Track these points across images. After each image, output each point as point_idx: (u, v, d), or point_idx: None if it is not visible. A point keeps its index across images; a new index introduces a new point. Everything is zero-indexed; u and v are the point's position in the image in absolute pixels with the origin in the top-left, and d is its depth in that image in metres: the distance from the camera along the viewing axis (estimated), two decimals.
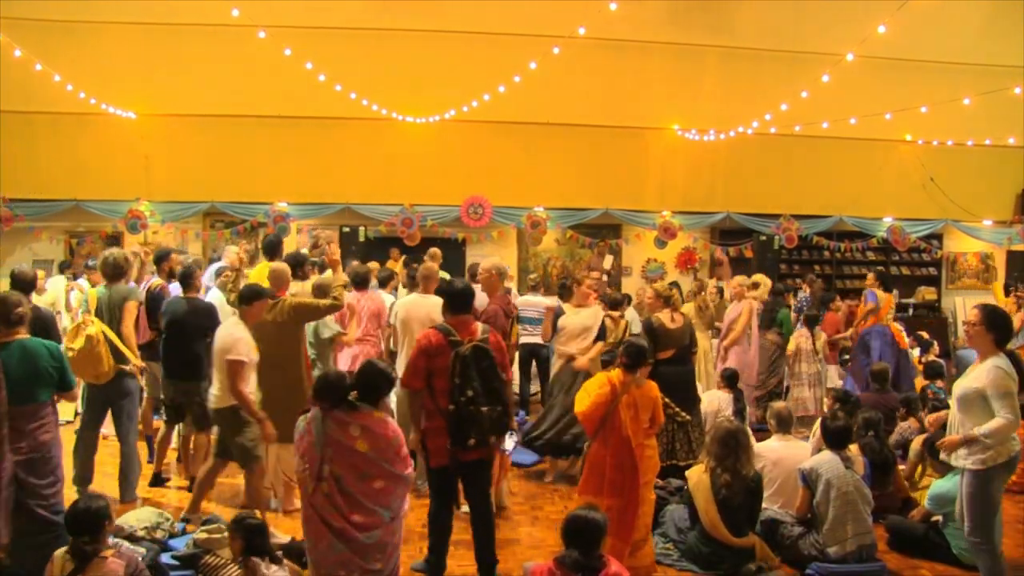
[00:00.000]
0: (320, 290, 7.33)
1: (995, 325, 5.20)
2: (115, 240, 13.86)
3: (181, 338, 7.19)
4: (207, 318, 7.25)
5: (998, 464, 5.11)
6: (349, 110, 12.66)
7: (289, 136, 13.30)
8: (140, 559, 4.59)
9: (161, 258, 8.61)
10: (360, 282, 8.60)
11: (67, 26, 11.73)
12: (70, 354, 6.43)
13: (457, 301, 5.66)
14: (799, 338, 9.93)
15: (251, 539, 4.83)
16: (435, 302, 7.21)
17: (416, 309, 7.33)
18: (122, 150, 13.27)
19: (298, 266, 8.17)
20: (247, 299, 6.30)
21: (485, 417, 5.30)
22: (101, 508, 4.46)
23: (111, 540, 4.98)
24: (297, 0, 11.44)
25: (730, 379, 8.53)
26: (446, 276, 9.42)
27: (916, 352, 11.09)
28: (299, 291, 7.79)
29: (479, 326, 5.66)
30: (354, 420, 4.56)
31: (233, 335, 6.11)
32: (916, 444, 7.30)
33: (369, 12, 11.93)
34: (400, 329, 7.38)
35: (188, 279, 7.44)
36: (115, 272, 7.15)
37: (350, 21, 12.03)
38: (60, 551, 4.46)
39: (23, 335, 5.14)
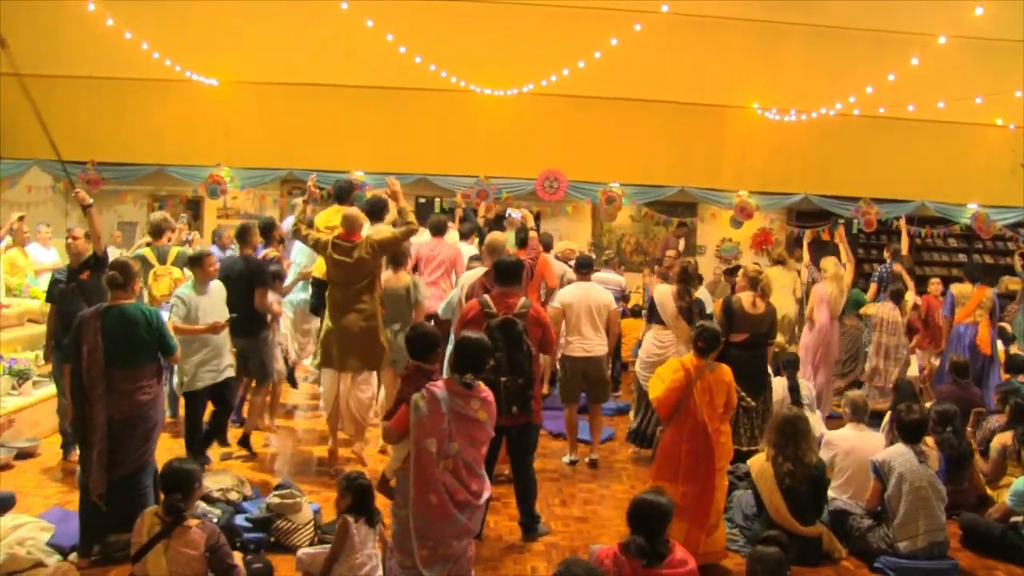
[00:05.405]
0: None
1: None
2: (195, 204, 14.16)
3: (238, 295, 7.39)
4: (262, 274, 7.54)
5: None
6: (428, 81, 12.68)
7: (368, 106, 13.38)
8: (219, 530, 4.78)
9: (268, 227, 8.62)
10: (437, 230, 9.04)
11: None
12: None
13: (501, 273, 6.10)
14: (883, 309, 9.58)
15: (359, 498, 4.92)
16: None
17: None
18: (204, 117, 13.50)
19: (379, 211, 8.52)
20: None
21: (503, 387, 5.64)
22: (193, 471, 4.76)
23: (198, 509, 5.20)
24: None
25: (789, 365, 8.40)
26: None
27: (1000, 345, 10.73)
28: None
29: (521, 300, 5.99)
30: (474, 394, 4.62)
31: None
32: (998, 442, 7.08)
33: None
34: None
35: (244, 236, 7.74)
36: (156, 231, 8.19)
37: None
38: (150, 509, 4.71)
39: (126, 300, 5.39)
